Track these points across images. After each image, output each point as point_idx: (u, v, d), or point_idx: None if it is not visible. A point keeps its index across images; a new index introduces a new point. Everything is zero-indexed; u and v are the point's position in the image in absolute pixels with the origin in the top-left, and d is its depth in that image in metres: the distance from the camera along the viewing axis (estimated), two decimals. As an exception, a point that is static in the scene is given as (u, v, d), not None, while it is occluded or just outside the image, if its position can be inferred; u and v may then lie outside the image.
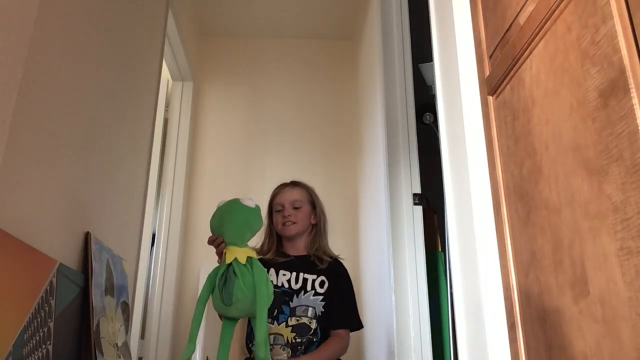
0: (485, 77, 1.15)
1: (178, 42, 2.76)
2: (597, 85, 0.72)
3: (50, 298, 1.26)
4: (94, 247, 1.55)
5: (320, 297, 1.61)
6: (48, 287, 1.25)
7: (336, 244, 3.14)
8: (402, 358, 1.96)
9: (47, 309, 1.24)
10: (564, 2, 0.82)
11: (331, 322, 1.62)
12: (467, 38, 1.25)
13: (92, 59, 1.57)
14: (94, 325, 1.46)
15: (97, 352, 1.44)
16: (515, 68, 1.01)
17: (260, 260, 1.51)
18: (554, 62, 0.85)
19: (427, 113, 3.08)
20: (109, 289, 1.65)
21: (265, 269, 1.46)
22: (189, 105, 3.12)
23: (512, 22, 1.02)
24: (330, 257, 1.76)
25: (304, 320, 1.56)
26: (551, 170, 0.86)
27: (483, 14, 1.20)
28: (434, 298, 2.15)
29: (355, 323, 1.69)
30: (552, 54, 0.86)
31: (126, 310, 1.83)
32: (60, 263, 1.32)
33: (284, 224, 1.72)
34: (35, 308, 1.18)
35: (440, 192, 1.40)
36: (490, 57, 1.14)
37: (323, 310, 1.59)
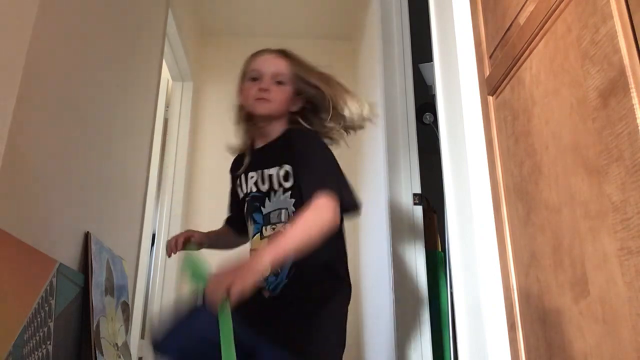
0: (485, 77, 1.15)
1: (178, 42, 2.76)
2: (597, 85, 0.72)
3: (50, 298, 1.26)
4: (94, 247, 1.55)
5: (289, 193, 1.22)
6: (48, 287, 1.25)
7: (336, 244, 3.15)
8: (402, 358, 1.96)
9: (47, 309, 1.24)
10: (564, 2, 0.82)
11: (305, 194, 1.17)
12: (467, 38, 1.25)
13: (92, 59, 1.57)
14: (94, 325, 1.46)
15: (97, 352, 1.44)
16: (515, 68, 1.01)
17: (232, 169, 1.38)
18: (554, 62, 0.85)
19: (427, 113, 3.08)
20: (109, 289, 1.65)
21: (237, 178, 1.31)
22: (189, 105, 3.13)
23: (512, 22, 1.02)
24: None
25: (279, 227, 1.21)
26: (551, 170, 0.86)
27: (483, 14, 1.20)
28: (434, 298, 2.15)
29: (331, 183, 1.16)
30: (552, 54, 0.86)
31: (126, 310, 1.83)
32: (60, 263, 1.32)
33: (257, 99, 1.28)
34: (35, 308, 1.18)
35: (440, 192, 1.40)
36: (490, 57, 1.14)
37: (294, 209, 1.20)
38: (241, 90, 1.35)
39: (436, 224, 2.50)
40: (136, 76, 2.05)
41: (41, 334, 1.20)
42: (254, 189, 1.27)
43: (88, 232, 1.54)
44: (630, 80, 0.65)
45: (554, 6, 0.84)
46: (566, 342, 0.80)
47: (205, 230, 1.43)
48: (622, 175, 0.66)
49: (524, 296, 0.96)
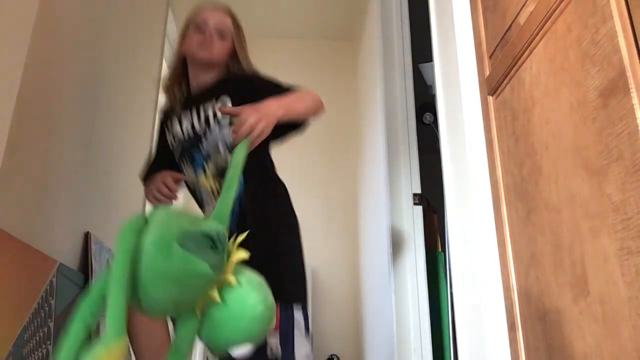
0: (485, 77, 1.15)
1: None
2: (597, 85, 0.72)
3: (50, 298, 1.26)
4: (94, 247, 1.55)
5: (227, 121, 1.26)
6: (48, 287, 1.25)
7: (336, 244, 3.16)
8: (402, 358, 1.96)
9: (47, 309, 1.24)
10: (564, 2, 0.82)
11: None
12: (467, 38, 1.25)
13: (92, 60, 1.57)
14: (94, 326, 1.46)
15: (97, 352, 1.44)
16: (515, 68, 1.01)
17: (164, 116, 1.40)
18: (554, 62, 0.85)
19: (427, 113, 3.08)
20: (109, 289, 1.65)
21: (170, 124, 1.34)
22: (189, 105, 3.12)
23: (512, 22, 1.02)
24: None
25: (220, 161, 1.25)
26: (551, 170, 0.86)
27: (483, 14, 1.20)
28: (434, 298, 2.15)
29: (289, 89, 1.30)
30: (552, 54, 0.86)
31: (126, 310, 1.83)
32: (60, 263, 1.32)
33: (200, 44, 1.34)
34: (35, 308, 1.18)
35: (440, 192, 1.40)
36: (490, 57, 1.14)
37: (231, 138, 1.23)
38: (184, 38, 1.41)
39: (436, 224, 2.50)
40: (136, 76, 2.05)
41: (41, 334, 1.20)
42: (190, 131, 1.31)
43: (88, 232, 1.54)
44: (630, 80, 0.65)
45: (554, 6, 0.84)
46: (566, 342, 0.80)
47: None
48: (622, 175, 0.66)
49: (524, 296, 0.96)
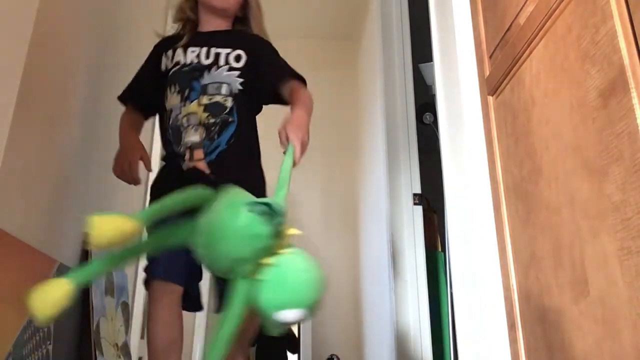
0: (485, 77, 1.15)
1: (178, 42, 2.75)
2: (597, 85, 0.72)
3: (50, 298, 1.26)
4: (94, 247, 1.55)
5: (237, 73, 1.38)
6: (48, 287, 1.25)
7: (336, 244, 3.15)
8: (402, 357, 1.96)
9: (47, 309, 1.24)
10: (564, 2, 0.82)
11: (274, 76, 1.41)
12: (467, 38, 1.25)
13: (91, 60, 1.57)
14: (94, 325, 1.46)
15: (97, 352, 1.44)
16: (515, 68, 1.01)
17: (167, 42, 1.45)
18: (554, 62, 0.85)
19: (427, 113, 3.08)
20: (109, 289, 1.65)
21: (171, 51, 1.40)
22: (189, 105, 3.12)
23: (512, 22, 1.02)
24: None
25: (217, 98, 1.35)
26: (551, 170, 0.86)
27: (483, 14, 1.20)
28: (434, 298, 2.15)
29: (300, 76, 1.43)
30: (552, 54, 0.86)
31: (126, 310, 1.83)
32: (60, 263, 1.32)
33: None
34: (35, 308, 1.18)
35: (440, 192, 1.40)
36: (490, 57, 1.14)
37: (241, 88, 1.37)
38: None
39: (436, 224, 2.50)
40: (136, 76, 2.05)
41: (41, 334, 1.20)
42: (195, 61, 1.39)
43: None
44: (630, 80, 0.65)
45: (554, 6, 0.84)
46: (566, 342, 0.80)
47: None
48: (622, 175, 0.66)
49: (524, 296, 0.96)
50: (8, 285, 1.07)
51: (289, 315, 0.84)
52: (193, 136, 1.31)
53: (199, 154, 1.30)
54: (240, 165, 1.34)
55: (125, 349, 1.74)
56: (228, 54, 1.39)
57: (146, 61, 1.51)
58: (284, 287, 0.84)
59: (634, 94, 0.64)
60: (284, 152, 1.19)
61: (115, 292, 1.70)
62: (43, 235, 1.26)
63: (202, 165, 1.30)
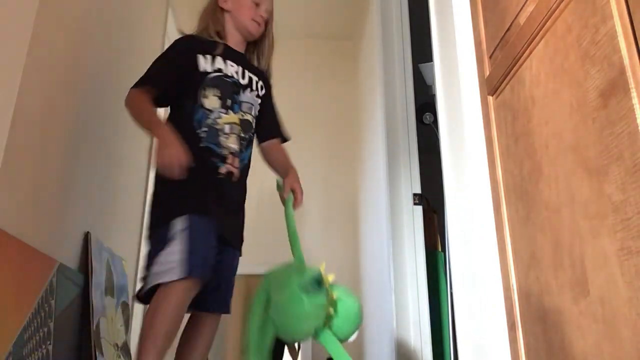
0: (485, 77, 1.15)
1: (178, 42, 2.75)
2: (597, 85, 0.72)
3: (50, 298, 1.26)
4: (94, 247, 1.55)
5: (259, 101, 1.54)
6: (48, 287, 1.25)
7: (336, 244, 3.15)
8: (402, 357, 1.96)
9: (47, 309, 1.24)
10: (564, 2, 0.82)
11: (271, 129, 1.60)
12: (467, 38, 1.25)
13: (92, 59, 1.57)
14: (94, 325, 1.46)
15: (97, 352, 1.44)
16: (515, 68, 1.01)
17: (198, 42, 1.49)
18: (554, 62, 0.85)
19: (427, 113, 3.08)
20: (109, 289, 1.65)
21: (210, 56, 1.45)
22: (189, 105, 3.11)
23: (512, 22, 1.02)
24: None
25: (249, 117, 1.48)
26: (551, 170, 0.86)
27: (483, 14, 1.20)
28: (434, 298, 2.15)
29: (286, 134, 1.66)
30: (552, 54, 0.86)
31: (126, 310, 1.83)
32: (60, 263, 1.32)
33: (254, 19, 1.54)
34: (35, 308, 1.18)
35: (440, 192, 1.40)
36: (490, 57, 1.14)
37: (258, 114, 1.53)
38: (241, 1, 1.56)
39: (436, 224, 2.50)
40: (137, 76, 2.05)
41: (41, 334, 1.20)
42: (235, 77, 1.48)
43: (88, 232, 1.54)
44: (630, 80, 0.65)
45: (554, 6, 0.84)
46: (566, 342, 0.80)
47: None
48: (622, 175, 0.66)
49: (524, 296, 0.96)
50: (8, 285, 1.07)
51: (352, 337, 1.28)
52: (234, 144, 1.41)
53: (236, 161, 1.41)
54: (245, 183, 1.49)
55: (125, 349, 1.74)
56: (257, 81, 1.54)
57: (177, 53, 1.48)
58: (350, 319, 1.26)
59: (633, 94, 0.64)
60: (282, 200, 1.48)
61: (115, 292, 1.70)
62: (43, 235, 1.26)
63: (237, 173, 1.41)
